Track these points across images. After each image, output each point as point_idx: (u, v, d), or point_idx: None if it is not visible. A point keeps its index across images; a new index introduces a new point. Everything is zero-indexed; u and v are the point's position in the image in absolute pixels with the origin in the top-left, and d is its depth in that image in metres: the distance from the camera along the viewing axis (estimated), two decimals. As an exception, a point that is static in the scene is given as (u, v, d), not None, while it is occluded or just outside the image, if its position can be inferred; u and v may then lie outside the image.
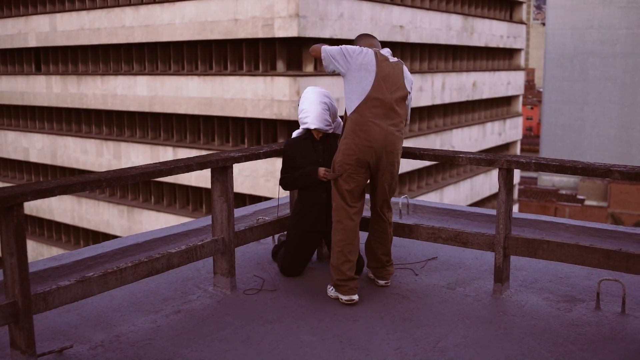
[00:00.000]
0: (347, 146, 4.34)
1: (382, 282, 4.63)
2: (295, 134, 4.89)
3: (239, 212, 5.87)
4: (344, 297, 4.29)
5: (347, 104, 4.39)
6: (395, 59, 4.53)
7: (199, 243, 4.28)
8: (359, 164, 4.34)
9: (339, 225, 4.41)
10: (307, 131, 4.82)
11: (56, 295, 3.46)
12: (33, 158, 32.15)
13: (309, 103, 4.78)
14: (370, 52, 4.39)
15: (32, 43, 30.90)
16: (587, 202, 60.57)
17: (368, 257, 4.67)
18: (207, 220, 5.64)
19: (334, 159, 4.45)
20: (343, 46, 4.44)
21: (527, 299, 4.39)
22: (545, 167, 4.28)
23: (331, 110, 4.82)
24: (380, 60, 4.38)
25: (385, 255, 4.62)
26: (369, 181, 4.52)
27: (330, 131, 4.83)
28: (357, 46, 4.46)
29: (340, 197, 4.40)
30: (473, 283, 4.70)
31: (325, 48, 4.43)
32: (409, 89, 4.50)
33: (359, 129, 4.31)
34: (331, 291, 4.42)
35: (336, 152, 4.45)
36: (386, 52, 4.51)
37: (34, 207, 30.94)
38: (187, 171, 4.13)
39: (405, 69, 4.55)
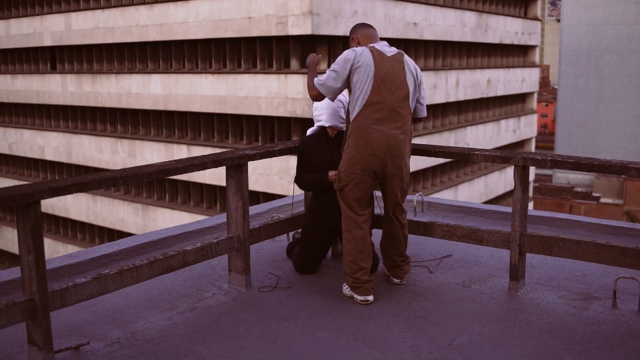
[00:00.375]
0: (350, 155, 4.25)
1: (396, 281, 4.61)
2: (309, 131, 4.89)
3: (253, 209, 5.88)
4: (360, 297, 4.27)
5: (350, 111, 4.29)
6: (394, 51, 4.36)
7: (214, 240, 4.29)
8: (364, 172, 4.24)
9: (348, 234, 4.34)
10: (322, 129, 4.82)
11: (72, 292, 3.49)
12: (49, 156, 32.37)
13: (323, 101, 4.73)
14: (365, 51, 4.23)
15: (48, 42, 31.10)
16: (603, 200, 60.14)
17: (383, 256, 4.64)
18: (221, 218, 5.65)
19: (339, 167, 4.35)
20: (336, 65, 4.24)
21: (542, 296, 4.37)
22: (562, 165, 4.26)
23: (345, 108, 4.76)
24: (377, 58, 4.22)
25: (399, 256, 4.57)
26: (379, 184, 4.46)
27: (345, 128, 4.81)
28: (351, 49, 4.29)
29: (348, 207, 4.33)
30: (488, 281, 4.68)
31: (320, 81, 4.29)
32: (413, 82, 4.32)
33: (361, 136, 4.20)
34: (346, 290, 4.40)
35: (341, 161, 4.35)
36: (383, 45, 4.35)
37: (50, 205, 31.15)
38: (202, 169, 4.14)
39: (407, 59, 4.37)
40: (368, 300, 4.25)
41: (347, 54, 4.25)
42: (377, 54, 4.24)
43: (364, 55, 4.21)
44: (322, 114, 4.78)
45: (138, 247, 4.90)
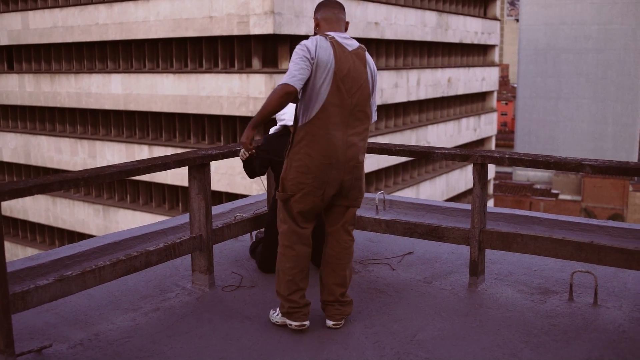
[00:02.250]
0: (302, 163, 3.68)
1: (330, 323, 3.89)
2: (272, 130, 4.87)
3: (216, 209, 5.89)
4: (295, 323, 3.80)
5: (299, 112, 3.71)
6: (355, 44, 3.78)
7: (177, 241, 4.29)
8: (315, 183, 3.69)
9: (289, 251, 3.78)
10: (285, 128, 4.80)
11: (34, 294, 3.46)
12: (6, 158, 31.80)
13: None
14: (325, 43, 3.64)
15: (4, 41, 30.54)
16: (562, 197, 61.24)
17: (320, 289, 3.96)
18: (184, 218, 5.65)
19: (282, 175, 3.79)
20: (297, 56, 3.59)
21: (502, 291, 4.46)
22: (519, 162, 4.35)
23: None
24: (338, 52, 3.64)
25: (340, 286, 3.89)
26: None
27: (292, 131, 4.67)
28: (310, 39, 3.66)
29: (291, 219, 3.78)
30: (449, 277, 4.76)
31: (292, 77, 3.56)
32: (372, 82, 3.81)
33: (315, 142, 3.65)
34: (276, 317, 3.91)
35: (284, 167, 3.78)
36: (343, 36, 3.75)
37: (8, 207, 30.60)
38: (165, 169, 4.14)
39: (368, 56, 3.84)
40: (304, 325, 3.81)
41: (306, 45, 3.62)
42: (338, 48, 3.66)
43: (323, 48, 3.62)
44: (285, 112, 4.71)
45: (100, 248, 4.87)
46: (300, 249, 3.79)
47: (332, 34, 3.71)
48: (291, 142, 3.76)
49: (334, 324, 3.87)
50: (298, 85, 3.56)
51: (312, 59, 3.58)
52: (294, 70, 3.57)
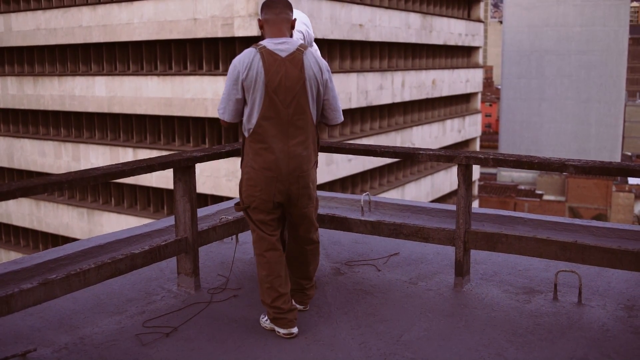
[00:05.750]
0: (248, 175, 3.76)
1: (300, 307, 4.08)
2: None
3: (201, 211, 5.88)
4: (283, 331, 3.78)
5: (244, 125, 3.76)
6: (293, 47, 3.68)
7: (162, 243, 4.28)
8: (263, 195, 3.74)
9: (262, 258, 3.81)
10: None
11: (19, 298, 3.44)
12: (-11, 161, 31.55)
13: None
14: (253, 57, 3.62)
15: (-14, 44, 30.32)
16: (546, 197, 61.61)
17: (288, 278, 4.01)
18: (169, 221, 5.63)
19: (239, 185, 3.88)
20: (225, 87, 3.71)
21: (487, 291, 4.48)
22: (503, 163, 4.38)
23: (307, 39, 4.51)
24: (268, 63, 3.60)
25: (305, 279, 4.06)
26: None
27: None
28: (236, 59, 3.68)
29: (257, 227, 3.83)
30: (434, 277, 4.78)
31: (220, 111, 3.77)
32: (316, 84, 3.72)
33: (258, 155, 3.69)
34: (266, 322, 3.91)
35: (240, 179, 3.88)
36: (279, 41, 3.68)
37: (-9, 211, 30.38)
38: (150, 171, 4.13)
39: (308, 57, 3.70)
40: (292, 334, 3.77)
41: (234, 65, 3.67)
42: (267, 58, 3.61)
43: (251, 64, 3.61)
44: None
45: (85, 251, 4.85)
46: (270, 255, 3.80)
47: (265, 42, 3.70)
48: (242, 153, 3.85)
49: (303, 308, 4.11)
50: (229, 118, 3.76)
51: (242, 80, 3.64)
52: (225, 102, 3.73)
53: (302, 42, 3.83)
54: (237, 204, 3.94)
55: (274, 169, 3.69)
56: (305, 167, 3.77)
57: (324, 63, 3.80)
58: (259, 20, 3.81)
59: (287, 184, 3.73)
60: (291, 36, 3.85)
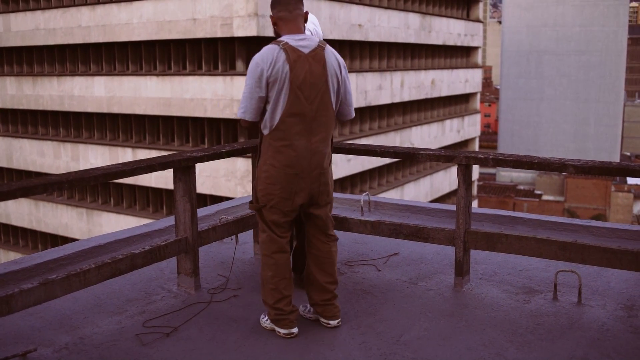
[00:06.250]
0: (268, 173, 3.68)
1: (333, 323, 3.90)
2: None
3: (201, 211, 5.88)
4: (283, 331, 3.78)
5: (262, 123, 3.70)
6: (314, 44, 3.67)
7: (163, 243, 4.28)
8: (283, 193, 3.69)
9: (269, 260, 3.77)
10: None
11: (19, 298, 3.44)
12: (-12, 161, 31.54)
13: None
14: (277, 53, 3.58)
15: (-15, 44, 30.30)
16: (545, 197, 61.64)
17: (310, 292, 3.94)
18: (169, 221, 5.63)
19: (253, 185, 3.85)
20: (247, 86, 3.62)
21: (487, 291, 4.49)
22: (503, 163, 4.38)
23: (316, 34, 4.42)
24: (292, 59, 3.58)
25: (332, 283, 3.92)
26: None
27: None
28: (259, 57, 3.62)
29: (268, 228, 3.78)
30: (434, 277, 4.78)
31: (241, 111, 3.67)
32: (337, 81, 3.73)
33: (280, 152, 3.65)
34: (266, 322, 3.90)
35: (256, 177, 3.83)
36: (299, 38, 3.66)
37: (-10, 211, 30.37)
38: (150, 171, 4.13)
39: (329, 53, 3.71)
40: (293, 334, 3.77)
41: (257, 62, 3.61)
42: (291, 54, 3.58)
43: (275, 60, 3.58)
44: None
45: (85, 251, 4.85)
46: (278, 257, 3.77)
47: (285, 38, 3.66)
48: (258, 152, 3.79)
49: (338, 322, 3.90)
50: (252, 117, 3.67)
51: (267, 77, 3.58)
52: (247, 102, 3.65)
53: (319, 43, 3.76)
54: (251, 202, 3.87)
55: (295, 167, 3.65)
56: (325, 164, 3.78)
57: (341, 60, 3.81)
58: (272, 17, 3.76)
59: (308, 182, 3.71)
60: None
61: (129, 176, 4.02)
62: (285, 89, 3.58)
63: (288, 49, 3.58)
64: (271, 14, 3.78)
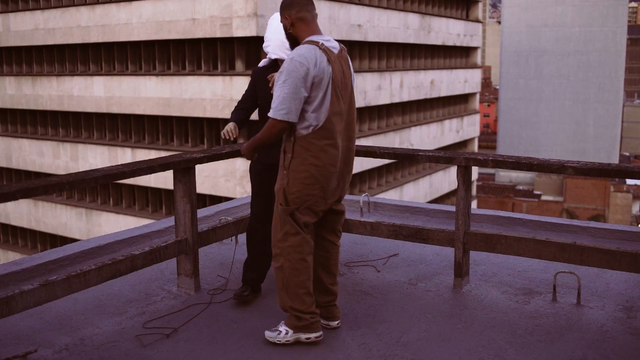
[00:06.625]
0: (308, 174, 3.57)
1: (334, 324, 3.91)
2: (261, 63, 4.50)
3: (201, 212, 5.88)
4: (315, 335, 3.70)
5: (298, 124, 3.58)
6: (337, 45, 3.69)
7: (163, 244, 4.29)
8: (322, 193, 3.64)
9: (302, 263, 3.64)
10: (273, 60, 4.40)
11: (19, 299, 3.44)
12: (-13, 161, 31.53)
13: (271, 30, 4.29)
14: (319, 55, 3.53)
15: (-15, 44, 30.30)
16: (544, 197, 61.64)
17: (315, 293, 3.87)
18: (169, 222, 5.64)
19: (282, 187, 3.64)
20: (297, 73, 3.47)
21: (486, 292, 4.50)
22: (502, 164, 4.39)
23: None
24: (332, 60, 3.57)
25: (335, 284, 3.93)
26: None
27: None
28: (303, 58, 3.50)
29: (302, 230, 3.66)
30: (434, 278, 4.79)
31: (280, 111, 3.50)
32: (354, 82, 3.82)
33: (324, 152, 3.57)
34: (287, 336, 3.71)
35: (286, 178, 3.63)
36: (326, 39, 3.66)
37: (-11, 211, 30.36)
38: (150, 173, 4.14)
39: (346, 53, 3.80)
40: (321, 335, 3.73)
41: (303, 62, 3.50)
42: (329, 54, 3.57)
43: (319, 60, 3.53)
44: (269, 45, 4.34)
45: (85, 252, 4.86)
46: (310, 259, 3.70)
47: (317, 39, 3.61)
48: (291, 152, 3.61)
49: (338, 323, 3.91)
50: (294, 118, 3.54)
51: (313, 76, 3.51)
52: (289, 102, 3.50)
53: (341, 45, 3.80)
54: (281, 204, 3.65)
55: (336, 165, 3.65)
56: (353, 163, 3.84)
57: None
58: (288, 18, 3.67)
59: (342, 179, 3.75)
60: None
61: (130, 177, 4.03)
62: (330, 90, 3.56)
63: (327, 50, 3.58)
64: (285, 14, 3.68)
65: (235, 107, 4.58)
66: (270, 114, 3.57)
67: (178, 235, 4.45)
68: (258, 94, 4.42)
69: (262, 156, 4.25)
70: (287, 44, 4.06)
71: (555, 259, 4.25)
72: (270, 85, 4.08)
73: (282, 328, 3.73)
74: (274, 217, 3.75)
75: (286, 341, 3.70)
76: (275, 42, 4.27)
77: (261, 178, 4.35)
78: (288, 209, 3.64)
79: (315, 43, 3.58)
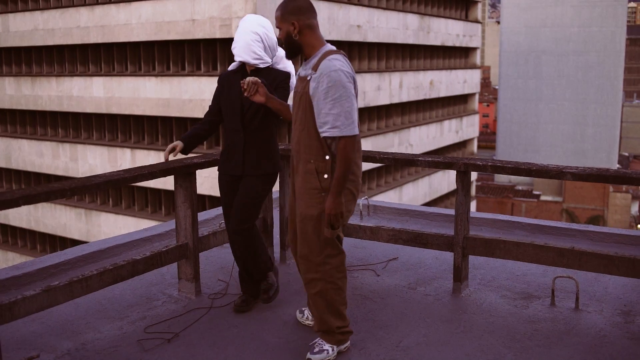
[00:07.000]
0: (347, 191, 3.42)
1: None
2: (231, 67, 4.34)
3: (201, 216, 5.91)
4: (347, 344, 3.70)
5: (334, 140, 3.37)
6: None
7: (164, 249, 4.31)
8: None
9: (343, 281, 3.56)
10: (242, 64, 4.24)
11: (22, 305, 3.47)
12: (-13, 161, 31.53)
13: (239, 32, 4.14)
14: (346, 63, 3.40)
15: (-16, 44, 30.29)
16: (543, 198, 61.66)
17: None
18: (169, 226, 5.66)
19: (332, 212, 3.34)
20: (345, 86, 3.30)
21: (485, 297, 4.52)
22: (501, 170, 4.42)
23: (266, 43, 4.14)
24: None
25: None
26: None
27: (263, 66, 4.15)
28: (339, 58, 3.36)
29: (340, 247, 3.56)
30: (433, 283, 4.82)
31: (344, 125, 3.30)
32: None
33: (356, 166, 3.45)
34: (334, 352, 3.60)
35: (330, 200, 3.33)
36: (334, 47, 3.56)
37: (-11, 212, 30.35)
38: (151, 178, 4.16)
39: None
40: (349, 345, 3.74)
41: (346, 73, 3.33)
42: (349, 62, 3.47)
43: (351, 70, 3.40)
44: (235, 47, 4.18)
45: (86, 256, 4.88)
46: (345, 272, 3.63)
47: (332, 47, 3.48)
48: (329, 172, 3.40)
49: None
50: (354, 131, 3.37)
51: (354, 86, 3.41)
52: (353, 115, 3.34)
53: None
54: (328, 229, 3.42)
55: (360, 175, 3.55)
56: None
57: None
58: (296, 23, 3.44)
59: None
60: None
61: (131, 183, 4.05)
62: (357, 98, 3.47)
63: (346, 59, 3.45)
64: (291, 20, 3.45)
65: (202, 119, 4.36)
66: (337, 133, 3.31)
67: (179, 240, 4.48)
68: (221, 98, 4.23)
69: (227, 167, 4.19)
70: (253, 46, 4.03)
71: (554, 263, 4.28)
72: (243, 89, 3.73)
73: (327, 347, 3.58)
74: (305, 243, 3.51)
75: (334, 358, 3.61)
76: (241, 44, 4.11)
77: (232, 189, 4.23)
78: (335, 233, 3.43)
79: (338, 52, 3.44)
